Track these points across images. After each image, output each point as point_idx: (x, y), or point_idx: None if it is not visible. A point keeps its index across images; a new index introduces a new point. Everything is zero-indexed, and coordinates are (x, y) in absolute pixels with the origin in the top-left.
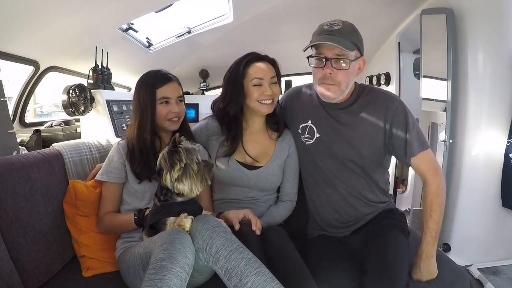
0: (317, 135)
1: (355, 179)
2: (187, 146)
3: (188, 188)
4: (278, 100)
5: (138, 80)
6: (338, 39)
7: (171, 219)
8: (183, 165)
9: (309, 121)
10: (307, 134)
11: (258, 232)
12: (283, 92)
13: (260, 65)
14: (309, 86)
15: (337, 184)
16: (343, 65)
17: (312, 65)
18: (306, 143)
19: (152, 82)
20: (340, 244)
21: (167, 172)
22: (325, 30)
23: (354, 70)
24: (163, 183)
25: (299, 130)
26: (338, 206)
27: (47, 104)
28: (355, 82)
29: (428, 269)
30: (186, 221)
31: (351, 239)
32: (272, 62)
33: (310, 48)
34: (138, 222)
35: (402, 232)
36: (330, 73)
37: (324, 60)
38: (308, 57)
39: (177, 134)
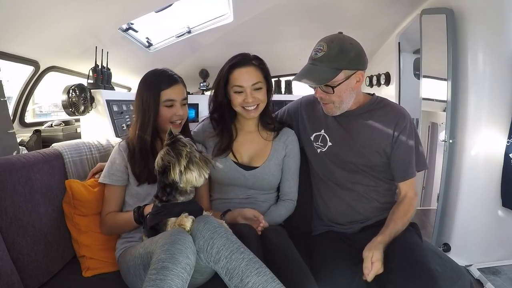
0: (329, 143)
1: (368, 182)
2: (183, 139)
3: (197, 173)
4: (287, 106)
5: (142, 79)
6: (317, 69)
7: (172, 219)
8: (188, 150)
9: (322, 130)
10: (320, 142)
11: (259, 228)
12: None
13: (242, 71)
14: None
15: (350, 187)
16: (328, 90)
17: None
18: (318, 150)
19: (157, 83)
20: (349, 241)
21: (175, 164)
22: (311, 57)
23: (348, 87)
24: (169, 179)
25: (312, 138)
26: (352, 206)
27: (46, 104)
28: (373, 94)
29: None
30: (187, 220)
31: (360, 236)
32: (258, 66)
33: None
34: (137, 219)
35: (419, 237)
36: (321, 96)
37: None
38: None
39: (171, 127)
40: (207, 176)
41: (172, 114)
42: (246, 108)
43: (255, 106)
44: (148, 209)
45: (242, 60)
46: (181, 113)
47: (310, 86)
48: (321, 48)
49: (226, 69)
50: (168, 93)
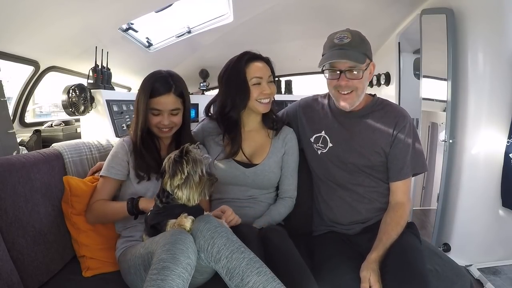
0: (330, 144)
1: (368, 183)
2: (195, 156)
3: (186, 197)
4: (285, 109)
5: (144, 79)
6: (350, 53)
7: (172, 220)
8: (184, 177)
9: (323, 132)
10: (320, 143)
11: (230, 222)
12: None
13: (258, 64)
14: (320, 96)
15: (351, 188)
16: (357, 75)
17: (327, 77)
18: (319, 151)
19: (149, 88)
20: (350, 242)
21: (169, 178)
22: (336, 44)
23: (367, 76)
24: (164, 186)
25: (312, 139)
26: (353, 206)
27: (46, 104)
28: (374, 95)
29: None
30: (186, 221)
31: (361, 237)
32: (267, 61)
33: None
34: (131, 211)
35: (416, 237)
36: (346, 83)
37: (338, 72)
38: (322, 70)
39: (187, 144)
40: (195, 203)
41: (157, 122)
42: (261, 101)
43: (268, 99)
44: (143, 202)
45: (254, 54)
46: (165, 123)
47: (326, 77)
48: (345, 35)
49: (243, 64)
50: (155, 103)
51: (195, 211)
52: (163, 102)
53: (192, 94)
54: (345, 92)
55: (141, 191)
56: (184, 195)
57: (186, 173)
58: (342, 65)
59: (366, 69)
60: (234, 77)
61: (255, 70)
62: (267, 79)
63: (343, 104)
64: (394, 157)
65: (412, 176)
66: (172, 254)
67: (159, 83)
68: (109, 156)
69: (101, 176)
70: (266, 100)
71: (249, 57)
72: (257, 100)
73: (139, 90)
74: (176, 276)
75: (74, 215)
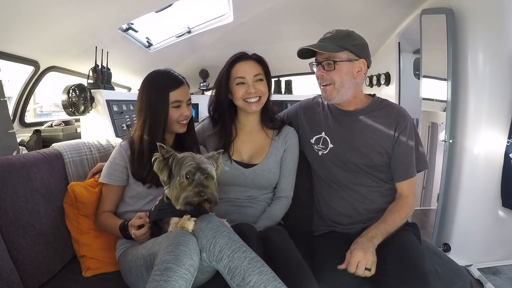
0: (330, 145)
1: (370, 183)
2: (179, 159)
3: (171, 197)
4: (286, 110)
5: (146, 80)
6: (320, 44)
7: (174, 219)
8: (164, 177)
9: (323, 133)
10: (321, 144)
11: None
12: (272, 92)
13: (243, 64)
14: (321, 97)
15: (352, 188)
16: (330, 66)
17: (314, 71)
18: (320, 153)
19: (164, 84)
20: (350, 242)
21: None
22: (319, 39)
23: (349, 71)
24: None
25: (313, 141)
26: (354, 207)
27: (47, 104)
28: (374, 95)
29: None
30: (189, 223)
31: None
32: (258, 60)
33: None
34: (122, 231)
35: (417, 238)
36: (322, 75)
37: (318, 64)
38: (309, 64)
39: (158, 144)
40: (178, 207)
41: (179, 115)
42: (248, 101)
43: (257, 98)
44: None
45: (243, 55)
46: (187, 113)
47: (312, 70)
48: (331, 32)
49: (227, 64)
50: (176, 95)
51: (198, 211)
52: (183, 92)
53: (192, 94)
54: (324, 84)
55: (143, 193)
56: (173, 195)
57: (164, 174)
58: (320, 56)
59: (343, 61)
60: (220, 78)
61: (237, 70)
62: (253, 79)
63: (324, 95)
64: (399, 159)
65: None
66: (175, 256)
67: (171, 78)
68: (108, 162)
69: (102, 183)
70: (253, 100)
71: (235, 58)
72: (243, 99)
73: (147, 89)
74: (179, 277)
75: (81, 216)
